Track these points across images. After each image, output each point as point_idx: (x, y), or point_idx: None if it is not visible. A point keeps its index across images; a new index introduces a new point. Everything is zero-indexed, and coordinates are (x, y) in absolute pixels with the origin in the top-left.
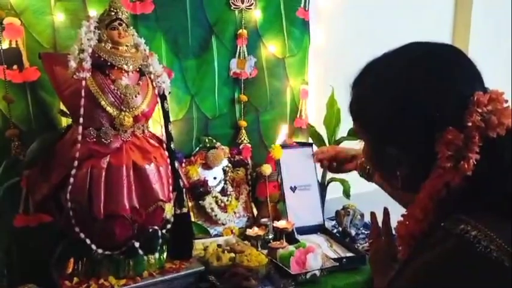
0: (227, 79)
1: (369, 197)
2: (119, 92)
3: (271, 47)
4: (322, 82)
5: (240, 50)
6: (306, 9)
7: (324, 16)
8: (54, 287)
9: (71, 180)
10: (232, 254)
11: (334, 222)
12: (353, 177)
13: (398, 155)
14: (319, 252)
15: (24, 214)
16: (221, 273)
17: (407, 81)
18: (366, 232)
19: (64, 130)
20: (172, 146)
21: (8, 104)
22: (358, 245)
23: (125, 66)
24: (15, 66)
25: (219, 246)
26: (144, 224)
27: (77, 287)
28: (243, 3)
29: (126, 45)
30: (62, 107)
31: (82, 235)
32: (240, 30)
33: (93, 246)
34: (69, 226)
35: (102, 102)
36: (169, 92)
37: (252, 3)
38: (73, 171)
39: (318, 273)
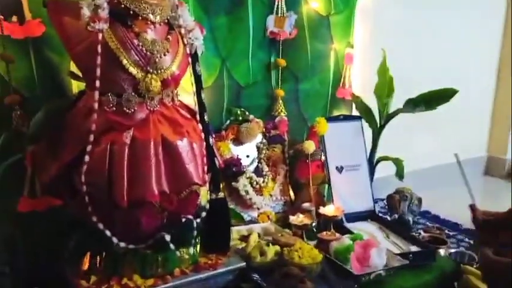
0: (263, 40)
1: (417, 177)
2: (144, 49)
3: (314, 3)
4: (370, 45)
5: (278, 5)
6: None
7: None
8: (67, 287)
9: (86, 158)
10: (278, 248)
11: (380, 206)
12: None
13: None
14: (383, 248)
15: (29, 197)
16: (266, 271)
17: None
18: (422, 221)
19: (76, 97)
20: (206, 117)
21: (7, 64)
22: (419, 234)
23: (151, 16)
24: (14, 18)
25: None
26: (176, 213)
27: None
28: None
29: None
30: (73, 67)
31: (101, 225)
32: None
33: (115, 239)
34: (85, 214)
35: (124, 61)
36: (202, 52)
37: None
38: (89, 148)
39: (383, 272)
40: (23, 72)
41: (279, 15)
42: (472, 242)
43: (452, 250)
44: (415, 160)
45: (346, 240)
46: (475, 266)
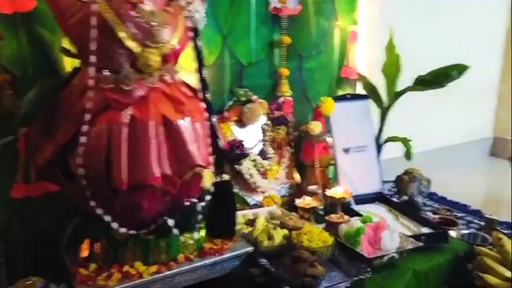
0: (265, 16)
1: (423, 158)
2: (142, 21)
3: None
4: (375, 23)
5: None
6: None
7: None
8: (66, 276)
9: (83, 139)
10: (286, 231)
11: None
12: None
13: None
14: (396, 230)
15: (23, 183)
16: (274, 256)
17: None
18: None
19: (70, 74)
20: (208, 96)
21: None
22: (428, 216)
23: None
24: None
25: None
26: (179, 196)
27: (95, 276)
28: None
29: None
30: (66, 44)
31: (99, 211)
32: None
33: (114, 225)
34: (82, 199)
35: (121, 34)
36: (204, 26)
37: None
38: (85, 128)
39: (396, 255)
40: (13, 50)
41: None
42: (482, 223)
43: (465, 231)
44: (421, 141)
45: (356, 222)
46: (488, 248)
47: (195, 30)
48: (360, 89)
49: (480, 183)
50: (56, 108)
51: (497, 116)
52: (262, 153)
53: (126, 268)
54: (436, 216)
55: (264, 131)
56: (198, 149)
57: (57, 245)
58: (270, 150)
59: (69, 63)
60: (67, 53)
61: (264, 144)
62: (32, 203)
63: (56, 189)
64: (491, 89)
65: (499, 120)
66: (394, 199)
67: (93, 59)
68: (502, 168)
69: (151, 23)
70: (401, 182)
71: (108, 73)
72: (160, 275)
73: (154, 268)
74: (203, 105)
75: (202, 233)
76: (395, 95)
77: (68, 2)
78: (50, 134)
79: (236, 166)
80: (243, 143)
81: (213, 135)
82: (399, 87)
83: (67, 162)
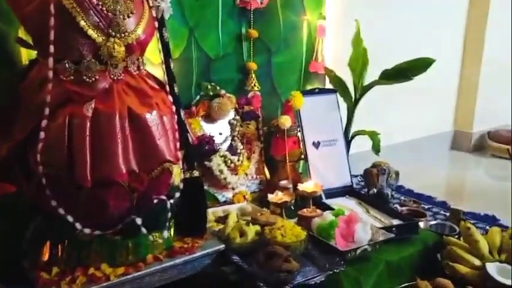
0: (233, 9)
1: (388, 152)
2: (104, 9)
3: None
4: (342, 17)
5: None
6: None
7: None
8: (27, 281)
9: (42, 135)
10: (258, 227)
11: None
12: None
13: None
14: (368, 222)
15: None
16: (247, 252)
17: None
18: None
19: (27, 67)
20: (175, 89)
21: None
22: (396, 209)
23: None
24: None
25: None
26: (147, 193)
27: (58, 280)
28: None
29: None
30: (22, 33)
31: (61, 210)
32: None
33: (78, 225)
34: (43, 198)
35: (82, 23)
36: (170, 16)
37: None
38: (44, 123)
39: (369, 247)
40: None
41: None
42: (447, 214)
43: (433, 222)
44: (385, 136)
45: (329, 216)
46: (456, 237)
47: (160, 20)
48: (329, 83)
49: (441, 176)
50: (13, 103)
51: (457, 110)
52: (232, 149)
53: (91, 271)
54: (403, 208)
55: (233, 126)
56: (166, 144)
57: (17, 248)
58: (240, 146)
59: (25, 55)
60: (23, 43)
61: (233, 140)
62: None
63: (14, 189)
64: (451, 81)
65: (458, 114)
66: (363, 192)
67: (51, 49)
68: (462, 161)
69: (115, 11)
70: (370, 175)
71: (68, 64)
72: (129, 276)
73: (121, 270)
74: (170, 98)
75: (171, 231)
76: (362, 89)
77: None
78: (6, 130)
79: (206, 162)
80: (213, 138)
81: (183, 129)
82: (369, 81)
83: (25, 160)
